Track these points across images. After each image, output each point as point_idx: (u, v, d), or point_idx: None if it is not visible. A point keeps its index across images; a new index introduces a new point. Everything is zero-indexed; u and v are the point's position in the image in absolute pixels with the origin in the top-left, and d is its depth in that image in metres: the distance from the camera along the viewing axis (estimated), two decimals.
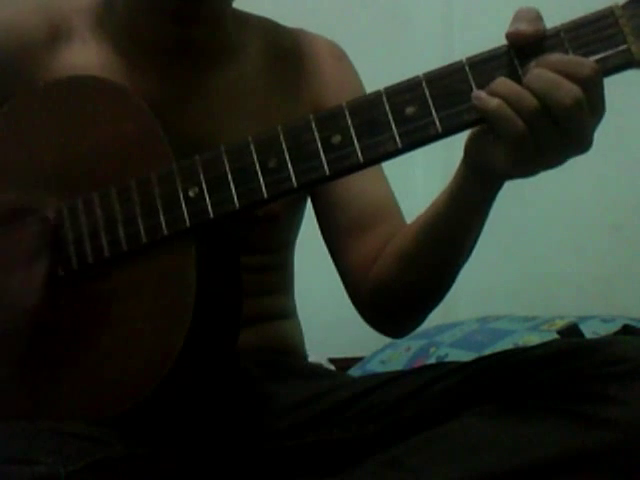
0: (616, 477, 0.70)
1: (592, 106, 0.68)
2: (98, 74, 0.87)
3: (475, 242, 0.86)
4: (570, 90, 0.66)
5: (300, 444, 0.86)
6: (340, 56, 1.03)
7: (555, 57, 0.68)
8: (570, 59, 0.68)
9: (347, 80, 1.00)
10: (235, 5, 0.95)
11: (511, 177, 0.73)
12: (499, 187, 0.78)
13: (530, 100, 0.67)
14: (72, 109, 0.83)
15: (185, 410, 0.80)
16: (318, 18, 1.91)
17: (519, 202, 1.89)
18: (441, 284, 0.90)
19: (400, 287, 0.90)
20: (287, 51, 0.99)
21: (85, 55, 0.92)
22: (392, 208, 0.98)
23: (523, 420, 0.73)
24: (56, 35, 0.93)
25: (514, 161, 0.70)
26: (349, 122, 0.71)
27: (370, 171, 0.95)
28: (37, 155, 0.83)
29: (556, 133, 0.68)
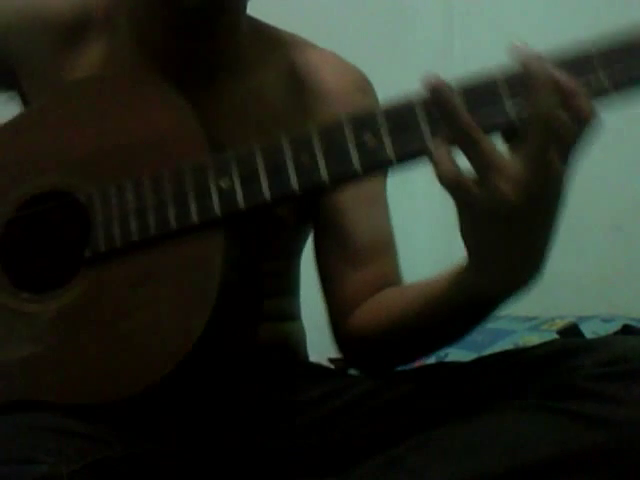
0: (616, 477, 0.70)
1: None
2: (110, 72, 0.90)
3: (475, 324, 0.83)
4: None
5: (301, 444, 0.86)
6: (367, 90, 1.01)
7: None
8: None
9: None
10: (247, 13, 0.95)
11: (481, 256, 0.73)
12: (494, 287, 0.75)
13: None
14: (110, 100, 0.85)
15: (192, 412, 0.80)
16: (318, 18, 1.92)
17: None
18: (428, 350, 0.90)
19: (382, 345, 0.90)
20: (312, 74, 0.97)
21: (99, 52, 0.94)
22: (390, 247, 0.97)
23: (523, 420, 0.73)
24: (83, 27, 0.94)
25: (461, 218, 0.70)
26: (382, 123, 0.72)
27: (378, 207, 0.97)
28: (76, 143, 0.84)
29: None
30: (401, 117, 0.72)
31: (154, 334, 0.75)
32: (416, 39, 2.00)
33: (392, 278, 0.94)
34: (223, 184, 0.76)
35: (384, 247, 0.96)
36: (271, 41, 0.98)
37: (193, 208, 0.76)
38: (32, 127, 0.89)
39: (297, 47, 0.99)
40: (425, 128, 0.71)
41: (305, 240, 1.02)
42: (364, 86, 1.01)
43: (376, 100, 1.00)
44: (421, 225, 2.04)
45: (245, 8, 0.94)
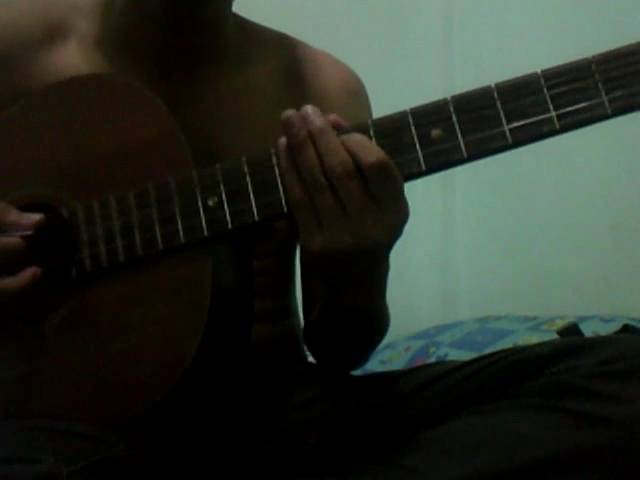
0: (616, 476, 0.70)
1: (374, 195, 0.69)
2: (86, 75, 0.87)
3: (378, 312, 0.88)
4: (345, 158, 0.69)
5: (301, 445, 0.86)
6: (356, 91, 1.01)
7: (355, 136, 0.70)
8: (361, 141, 0.70)
9: (355, 118, 0.90)
10: (247, 16, 0.95)
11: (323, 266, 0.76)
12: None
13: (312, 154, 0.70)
14: (92, 107, 0.82)
15: (192, 413, 0.79)
16: (317, 18, 1.92)
17: (519, 202, 1.89)
18: (359, 346, 0.93)
19: (326, 343, 0.94)
20: (302, 73, 0.97)
21: (81, 55, 0.92)
22: None
23: (523, 419, 0.73)
24: (52, 34, 0.92)
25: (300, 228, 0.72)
26: (372, 137, 0.72)
27: None
28: (56, 153, 0.82)
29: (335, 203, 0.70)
30: (395, 136, 0.71)
31: (146, 355, 0.74)
32: (416, 39, 2.00)
33: None
34: (210, 202, 0.74)
35: None
36: (261, 39, 0.98)
37: (180, 227, 0.74)
38: (8, 136, 0.86)
39: (289, 46, 0.99)
40: (419, 150, 0.71)
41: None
42: (352, 87, 1.01)
43: (364, 102, 1.01)
44: (421, 225, 2.04)
45: (231, 3, 0.93)
